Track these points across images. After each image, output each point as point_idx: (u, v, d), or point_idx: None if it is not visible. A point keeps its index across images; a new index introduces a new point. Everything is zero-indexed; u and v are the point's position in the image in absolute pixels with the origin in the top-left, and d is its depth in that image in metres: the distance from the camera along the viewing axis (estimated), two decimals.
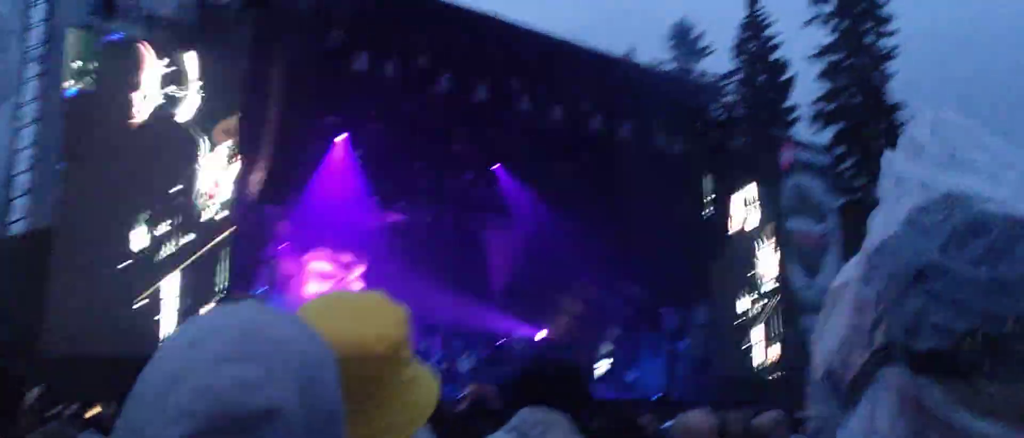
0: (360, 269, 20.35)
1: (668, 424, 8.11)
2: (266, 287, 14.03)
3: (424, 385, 1.29)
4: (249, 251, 14.30)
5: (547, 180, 20.51)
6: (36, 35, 14.14)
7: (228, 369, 0.71)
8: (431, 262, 21.63)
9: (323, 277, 18.89)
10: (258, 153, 14.09)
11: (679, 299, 20.07)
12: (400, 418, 1.22)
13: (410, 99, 16.24)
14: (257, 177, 14.28)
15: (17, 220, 13.62)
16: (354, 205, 20.45)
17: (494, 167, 20.21)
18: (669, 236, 19.76)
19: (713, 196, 19.17)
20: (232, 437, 0.69)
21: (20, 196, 13.66)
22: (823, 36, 35.44)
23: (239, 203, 13.94)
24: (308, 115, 14.59)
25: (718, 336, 19.49)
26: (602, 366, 21.93)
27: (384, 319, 1.23)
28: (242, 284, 13.82)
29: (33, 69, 14.03)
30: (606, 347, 21.94)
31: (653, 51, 41.98)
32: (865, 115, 34.41)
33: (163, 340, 0.77)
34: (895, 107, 34.72)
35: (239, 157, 13.84)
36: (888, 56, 35.01)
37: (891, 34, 35.03)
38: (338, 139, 17.85)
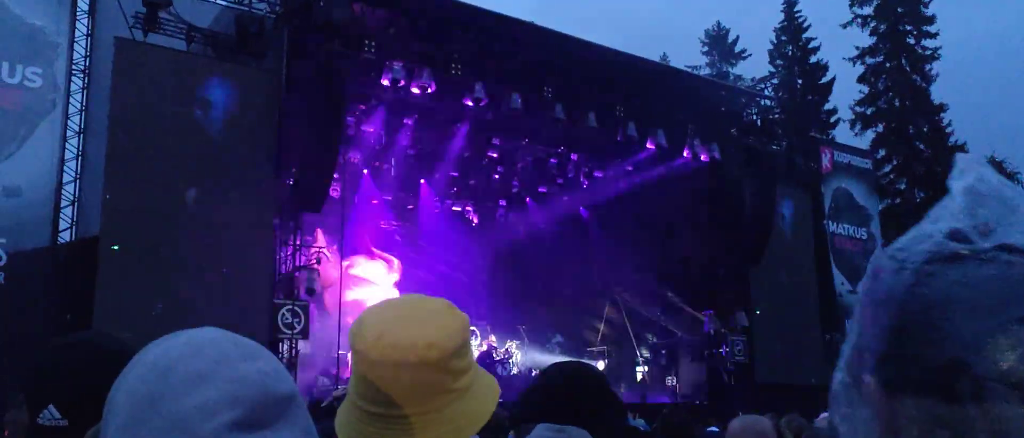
0: (396, 276, 20.47)
1: (712, 429, 8.04)
2: (308, 291, 14.16)
3: (480, 395, 1.27)
4: (289, 258, 14.46)
5: (582, 187, 20.50)
6: (81, 48, 14.47)
7: (249, 365, 0.82)
8: (466, 268, 21.73)
9: (362, 282, 19.02)
10: (295, 162, 14.27)
11: (719, 305, 19.89)
12: (449, 427, 1.21)
13: (444, 107, 16.33)
14: (294, 185, 14.46)
15: (65, 229, 13.93)
16: (390, 212, 20.62)
17: (531, 175, 20.26)
18: (708, 242, 19.62)
19: (752, 201, 18.96)
20: (269, 419, 0.80)
21: (67, 206, 13.97)
22: (863, 38, 35.00)
23: (277, 211, 14.13)
24: (344, 124, 14.74)
25: (759, 342, 19.26)
26: (641, 371, 21.82)
27: (440, 327, 1.22)
28: (283, 290, 13.98)
29: (78, 81, 14.36)
30: (645, 352, 21.83)
31: (687, 56, 41.89)
32: (907, 118, 33.85)
33: (132, 363, 0.84)
34: (938, 109, 34.11)
35: (276, 166, 14.04)
36: (931, 57, 34.40)
37: (934, 35, 34.44)
38: (375, 147, 18.03)
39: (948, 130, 34.13)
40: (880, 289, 0.71)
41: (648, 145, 17.99)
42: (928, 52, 34.37)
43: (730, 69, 40.22)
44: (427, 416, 1.20)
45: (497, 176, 20.29)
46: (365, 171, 18.60)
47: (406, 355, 1.17)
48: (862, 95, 34.84)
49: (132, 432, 0.78)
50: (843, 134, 33.68)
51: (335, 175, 14.79)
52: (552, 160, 19.65)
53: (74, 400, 1.51)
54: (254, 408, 0.79)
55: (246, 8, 14.83)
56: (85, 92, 14.39)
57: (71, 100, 14.14)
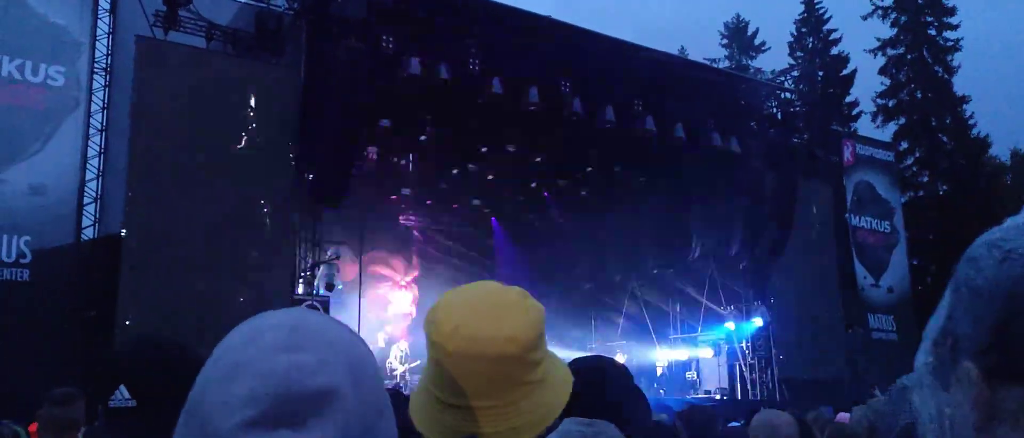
0: (415, 271, 20.56)
1: (734, 424, 7.98)
2: (328, 287, 14.24)
3: (555, 386, 1.27)
4: (308, 253, 14.54)
5: (600, 182, 20.44)
6: (103, 46, 14.61)
7: (285, 357, 0.75)
8: (483, 263, 21.77)
9: (381, 277, 19.12)
10: (314, 158, 14.34)
11: (740, 299, 19.80)
12: (526, 419, 1.21)
13: (462, 102, 16.34)
14: (314, 181, 14.53)
15: (88, 226, 14.08)
16: (409, 207, 20.68)
17: (544, 171, 20.23)
18: (728, 235, 19.51)
19: (773, 194, 18.83)
20: (296, 417, 0.73)
21: (90, 203, 14.13)
22: (884, 30, 34.65)
23: (297, 207, 14.21)
24: (362, 120, 14.78)
25: (780, 336, 19.16)
26: (661, 366, 21.77)
27: (518, 319, 1.22)
28: (303, 286, 14.06)
29: (101, 79, 14.51)
30: (665, 347, 21.78)
31: (706, 49, 41.62)
32: (929, 110, 33.49)
33: (221, 341, 0.82)
34: (961, 100, 33.71)
35: (296, 161, 14.11)
36: (953, 48, 34.00)
37: (955, 26, 34.01)
38: (393, 143, 18.06)
39: (971, 122, 33.73)
40: (980, 278, 0.71)
41: (667, 139, 17.90)
42: (950, 43, 33.96)
43: (750, 62, 39.95)
44: (504, 408, 1.20)
45: (514, 170, 20.26)
46: (384, 166, 18.65)
47: (485, 349, 1.17)
48: (884, 87, 34.53)
49: (184, 425, 0.78)
50: (865, 126, 33.42)
51: (354, 170, 14.84)
52: (569, 154, 19.60)
53: (142, 384, 1.71)
54: (274, 405, 0.72)
55: (265, 5, 14.91)
56: (107, 90, 14.53)
57: (94, 98, 14.29)
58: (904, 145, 33.04)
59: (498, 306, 1.23)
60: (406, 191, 19.93)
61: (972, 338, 0.71)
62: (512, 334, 1.19)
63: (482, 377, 1.18)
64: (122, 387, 1.72)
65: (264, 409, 0.72)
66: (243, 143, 13.69)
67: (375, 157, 18.02)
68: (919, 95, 33.81)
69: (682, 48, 40.19)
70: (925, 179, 33.46)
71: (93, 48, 14.31)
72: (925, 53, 33.86)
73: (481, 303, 1.24)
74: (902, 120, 33.96)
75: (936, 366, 0.75)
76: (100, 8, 14.56)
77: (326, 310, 13.92)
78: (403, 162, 19.25)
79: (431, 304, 1.29)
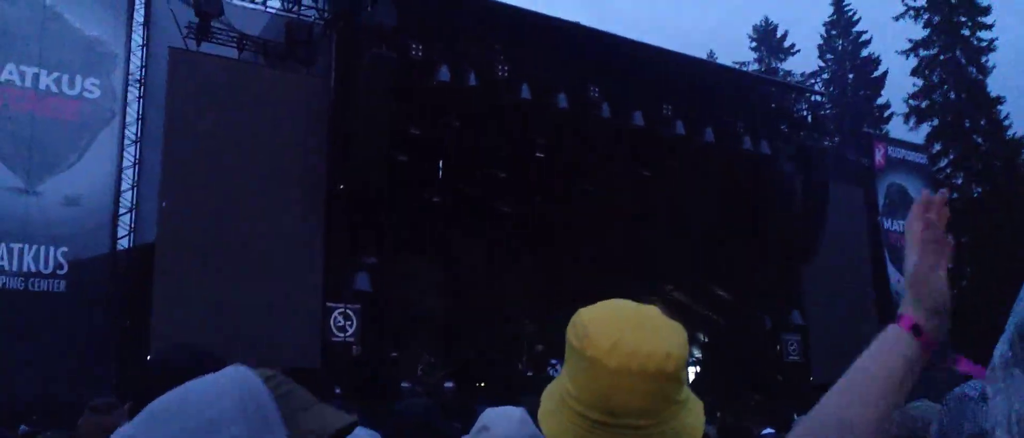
0: (442, 275, 20.57)
1: (767, 431, 7.91)
2: (358, 295, 14.30)
3: (695, 408, 1.26)
4: (340, 261, 14.61)
5: (630, 185, 20.36)
6: (137, 58, 14.84)
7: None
8: (513, 267, 21.76)
9: (410, 283, 19.14)
10: (345, 166, 14.42)
11: (772, 303, 19.60)
12: None
13: (491, 108, 16.37)
14: (345, 189, 14.62)
15: (123, 237, 14.28)
16: (438, 213, 20.72)
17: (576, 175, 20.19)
18: (760, 239, 19.34)
19: (804, 197, 18.65)
20: None
21: (125, 214, 14.32)
22: (915, 31, 34.22)
23: (329, 216, 14.30)
24: (392, 127, 14.86)
25: (814, 341, 18.94)
26: (693, 371, 21.63)
27: (673, 336, 1.21)
28: (335, 294, 14.13)
29: (135, 91, 14.73)
30: (696, 351, 21.63)
31: (735, 53, 41.35)
32: (963, 111, 33.00)
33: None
34: (995, 101, 33.17)
35: (327, 170, 14.21)
36: (987, 49, 33.48)
37: (989, 26, 33.49)
38: (422, 149, 18.12)
39: (1006, 123, 33.15)
40: None
41: (697, 143, 17.80)
42: (984, 43, 33.44)
43: (779, 65, 39.64)
44: (654, 428, 1.18)
45: (542, 175, 20.24)
46: (413, 173, 18.71)
47: (645, 365, 1.15)
48: (916, 88, 34.08)
49: None
50: (897, 129, 33.02)
51: (384, 177, 14.91)
52: (598, 159, 19.54)
53: None
54: None
55: (295, 15, 15.06)
56: (141, 101, 14.74)
57: (128, 110, 14.51)
58: (937, 147, 32.58)
59: (651, 322, 1.22)
60: (435, 198, 19.98)
61: None
62: (670, 350, 1.18)
63: (639, 394, 1.16)
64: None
65: None
66: (274, 152, 13.82)
67: (404, 162, 18.08)
68: (952, 96, 33.32)
69: (711, 52, 39.99)
70: (959, 181, 32.97)
71: (127, 60, 14.53)
72: (958, 54, 33.37)
73: (634, 318, 1.22)
74: (935, 122, 33.49)
75: (1010, 359, 0.73)
76: (134, 21, 14.79)
77: (358, 318, 13.98)
78: (432, 167, 19.30)
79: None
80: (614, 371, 1.15)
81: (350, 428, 1.08)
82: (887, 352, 1.05)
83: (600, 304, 1.28)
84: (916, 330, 1.04)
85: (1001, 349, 0.74)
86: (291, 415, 1.01)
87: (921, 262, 1.08)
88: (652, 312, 1.26)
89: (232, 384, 0.99)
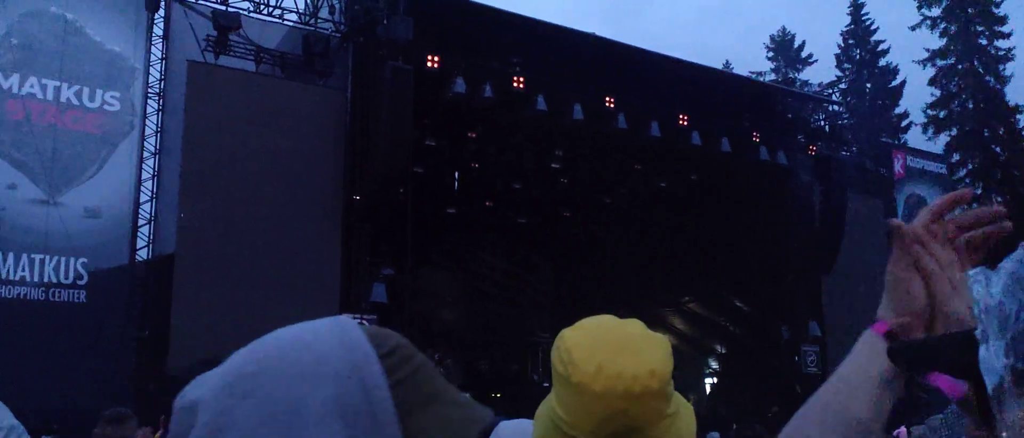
0: (460, 288, 20.59)
1: None
2: (376, 306, 14.33)
3: (686, 417, 1.26)
4: (358, 272, 14.65)
5: (646, 196, 20.34)
6: (156, 72, 14.99)
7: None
8: (529, 278, 21.75)
9: (429, 294, 19.18)
10: (362, 178, 14.49)
11: (790, 314, 19.47)
12: None
13: (507, 120, 16.40)
14: (362, 201, 14.68)
15: (142, 247, 14.39)
16: (455, 224, 20.76)
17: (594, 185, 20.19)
18: (777, 250, 19.24)
19: (822, 208, 18.54)
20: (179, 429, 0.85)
21: (144, 225, 14.44)
22: (932, 40, 34.02)
23: (346, 227, 14.36)
24: (409, 138, 14.92)
25: (832, 352, 18.78)
26: (710, 382, 21.51)
27: (655, 352, 1.21)
28: (352, 304, 14.15)
29: (154, 104, 14.87)
30: (713, 363, 21.51)
31: (752, 63, 41.25)
32: (981, 120, 32.75)
33: None
34: (1014, 110, 32.91)
35: (344, 181, 14.27)
36: (1004, 58, 33.24)
37: (1007, 35, 33.27)
38: (439, 160, 18.18)
39: None
40: None
41: (713, 153, 17.75)
42: (1001, 53, 33.21)
43: (796, 75, 39.49)
44: None
45: (559, 186, 20.26)
46: (431, 184, 18.77)
47: (630, 386, 1.15)
48: (934, 98, 33.86)
49: None
50: (916, 138, 32.81)
51: (401, 188, 14.96)
52: (615, 169, 19.54)
53: None
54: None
55: (312, 28, 15.17)
56: (160, 114, 14.88)
57: (147, 122, 14.65)
58: (956, 157, 32.34)
59: (631, 340, 1.22)
60: (452, 209, 20.02)
61: None
62: (653, 368, 1.18)
63: (629, 415, 1.16)
64: None
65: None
66: (292, 164, 13.90)
67: (421, 174, 18.15)
68: (971, 106, 33.08)
69: (727, 62, 39.95)
70: (979, 191, 32.69)
71: (147, 74, 14.69)
72: (976, 63, 33.15)
73: (616, 339, 1.22)
74: (954, 131, 33.25)
75: (1021, 370, 0.72)
76: (153, 35, 14.94)
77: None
78: (449, 179, 19.36)
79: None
80: (601, 395, 1.15)
81: (486, 433, 0.88)
82: (864, 356, 1.04)
83: (582, 324, 1.28)
84: (890, 336, 1.04)
85: (1001, 360, 0.74)
86: (407, 412, 0.82)
87: (895, 264, 1.07)
88: (634, 329, 1.25)
89: (335, 356, 0.82)
